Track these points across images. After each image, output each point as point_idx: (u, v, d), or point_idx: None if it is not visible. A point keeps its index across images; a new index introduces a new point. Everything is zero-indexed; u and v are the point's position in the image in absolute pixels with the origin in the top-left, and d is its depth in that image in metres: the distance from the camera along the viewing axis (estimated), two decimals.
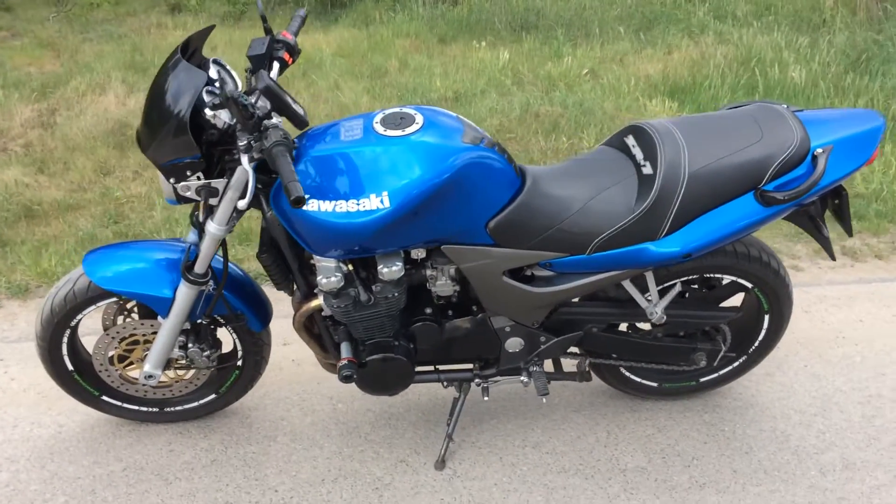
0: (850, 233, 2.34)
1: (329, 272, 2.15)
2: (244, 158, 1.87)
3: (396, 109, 2.13)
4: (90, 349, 2.48)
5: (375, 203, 1.99)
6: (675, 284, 2.38)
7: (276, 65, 2.20)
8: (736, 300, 2.60)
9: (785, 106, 2.27)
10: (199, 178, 2.03)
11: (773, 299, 2.49)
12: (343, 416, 2.71)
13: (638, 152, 2.23)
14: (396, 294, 2.20)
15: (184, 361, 2.46)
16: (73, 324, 2.37)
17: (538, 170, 2.26)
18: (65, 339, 2.40)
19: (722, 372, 2.70)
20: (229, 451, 2.56)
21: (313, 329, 2.40)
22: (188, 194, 2.04)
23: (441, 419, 2.68)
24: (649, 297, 2.37)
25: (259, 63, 2.17)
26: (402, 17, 8.91)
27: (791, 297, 2.51)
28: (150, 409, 2.62)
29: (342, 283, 2.16)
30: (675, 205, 2.10)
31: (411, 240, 2.12)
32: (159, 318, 2.34)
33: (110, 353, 2.45)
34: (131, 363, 2.49)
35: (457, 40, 8.13)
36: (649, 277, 2.33)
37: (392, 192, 1.98)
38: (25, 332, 3.15)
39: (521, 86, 6.43)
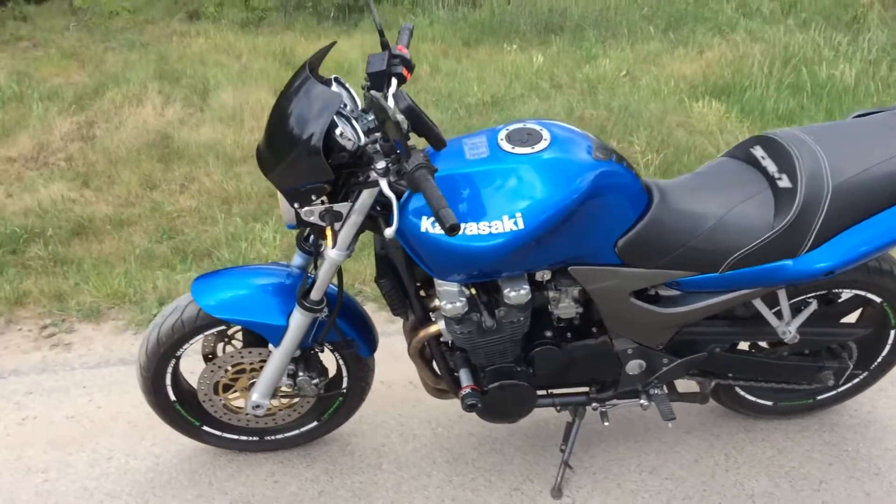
0: None
1: (453, 297, 2.05)
2: (383, 183, 1.77)
3: (520, 125, 2.03)
4: (190, 377, 2.39)
5: (509, 225, 1.89)
6: (811, 302, 2.28)
7: (394, 81, 2.10)
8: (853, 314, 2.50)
9: None
10: (322, 203, 1.92)
11: None
12: (445, 442, 2.61)
13: (770, 164, 2.13)
14: (522, 318, 2.10)
15: (290, 390, 2.35)
16: (178, 353, 2.27)
17: (664, 184, 2.15)
18: (169, 370, 2.30)
19: (841, 389, 2.60)
20: (335, 480, 2.46)
21: (425, 354, 2.30)
22: (311, 219, 1.94)
23: (546, 443, 2.59)
24: (779, 315, 2.27)
25: (378, 80, 2.08)
26: (422, 21, 8.83)
27: None
28: (250, 439, 2.52)
29: (466, 308, 2.06)
30: (818, 220, 1.99)
31: (541, 262, 2.02)
32: (270, 346, 2.23)
33: (215, 382, 2.35)
34: (235, 392, 2.39)
35: (482, 43, 8.05)
36: (782, 295, 2.23)
37: (526, 213, 1.88)
38: (105, 357, 3.05)
39: (559, 89, 6.33)
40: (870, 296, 2.34)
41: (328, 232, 1.92)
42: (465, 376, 2.21)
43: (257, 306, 2.17)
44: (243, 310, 2.16)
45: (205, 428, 2.46)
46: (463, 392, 2.17)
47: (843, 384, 2.57)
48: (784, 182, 2.06)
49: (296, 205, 1.92)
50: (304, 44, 8.23)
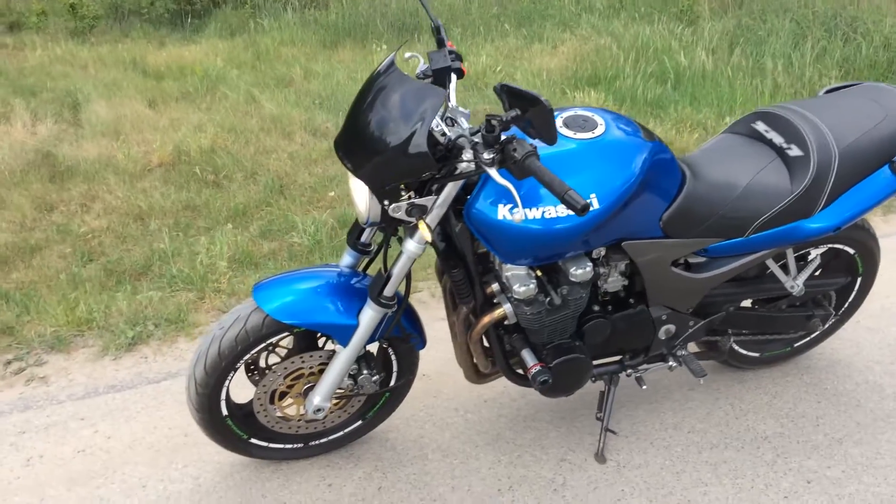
0: None
1: (524, 280, 2.14)
2: (493, 172, 1.83)
3: (572, 112, 2.15)
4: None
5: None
6: (815, 258, 2.57)
7: (453, 77, 2.16)
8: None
9: (883, 84, 2.50)
10: (410, 198, 1.96)
11: (869, 262, 2.74)
12: (479, 426, 2.69)
13: (775, 136, 2.38)
14: (583, 295, 2.23)
15: (344, 390, 2.35)
16: (238, 365, 2.21)
17: (688, 159, 2.36)
18: (226, 383, 2.23)
19: (814, 335, 2.93)
20: (389, 475, 2.48)
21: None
22: (398, 215, 1.96)
23: (572, 414, 2.73)
24: (786, 271, 2.54)
25: (442, 76, 2.14)
26: (270, 24, 8.73)
27: (879, 258, 2.76)
28: (295, 446, 2.48)
29: (536, 290, 2.17)
30: (829, 182, 2.27)
31: (604, 239, 2.16)
32: (336, 347, 2.22)
33: (272, 391, 2.30)
34: (288, 399, 2.36)
35: (342, 45, 8.08)
36: (789, 254, 2.50)
37: (600, 193, 2.01)
38: (91, 386, 2.86)
39: None
40: (846, 248, 2.67)
41: (421, 226, 1.97)
42: (528, 356, 2.30)
43: (326, 308, 2.16)
44: (312, 313, 2.14)
45: (252, 440, 2.40)
46: (533, 370, 2.27)
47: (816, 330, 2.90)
48: (794, 151, 2.31)
49: (386, 202, 1.94)
50: (154, 52, 7.91)
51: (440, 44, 2.19)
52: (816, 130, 2.31)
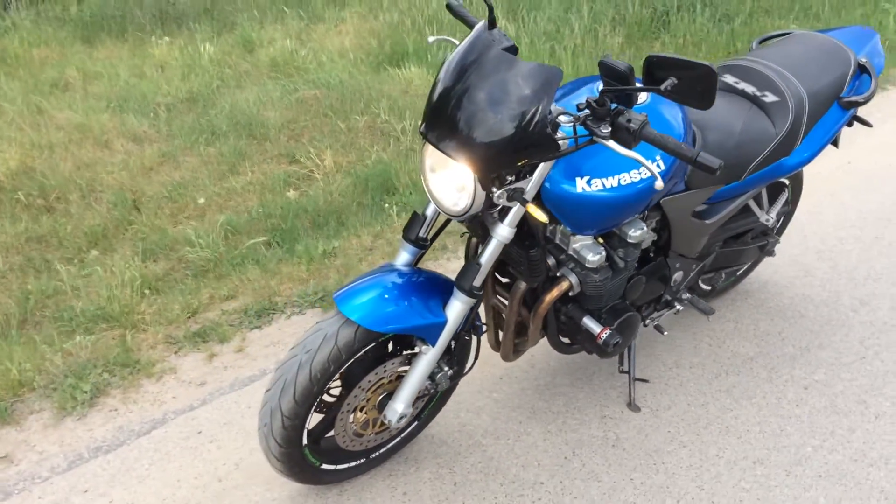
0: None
1: (595, 249, 2.19)
2: (612, 144, 1.83)
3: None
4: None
5: (654, 168, 2.09)
6: (784, 191, 2.85)
7: None
8: None
9: (811, 32, 2.84)
10: (510, 182, 1.92)
11: (797, 190, 3.10)
12: (510, 402, 2.70)
13: (747, 86, 2.61)
14: (637, 254, 2.32)
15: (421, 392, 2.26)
16: (327, 388, 2.03)
17: None
18: (312, 410, 2.05)
19: (750, 263, 3.26)
20: (456, 469, 2.42)
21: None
22: (500, 201, 1.92)
23: (583, 373, 2.83)
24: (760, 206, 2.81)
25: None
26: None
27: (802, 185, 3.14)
28: (358, 463, 2.34)
29: (605, 257, 2.22)
30: (804, 122, 2.55)
31: (660, 197, 2.26)
32: (421, 348, 2.11)
33: (354, 408, 2.15)
34: (364, 414, 2.21)
35: (101, 41, 7.41)
36: (764, 191, 2.77)
37: (663, 154, 2.11)
38: (71, 455, 2.44)
39: (249, 76, 6.19)
40: (784, 180, 3.00)
41: (532, 209, 1.94)
42: (592, 323, 2.34)
43: (414, 309, 2.04)
44: (404, 317, 2.02)
45: (323, 466, 2.23)
46: (603, 336, 2.31)
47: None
48: (770, 97, 2.56)
49: (494, 189, 1.89)
50: None
51: (492, 24, 2.13)
52: (784, 77, 2.57)
